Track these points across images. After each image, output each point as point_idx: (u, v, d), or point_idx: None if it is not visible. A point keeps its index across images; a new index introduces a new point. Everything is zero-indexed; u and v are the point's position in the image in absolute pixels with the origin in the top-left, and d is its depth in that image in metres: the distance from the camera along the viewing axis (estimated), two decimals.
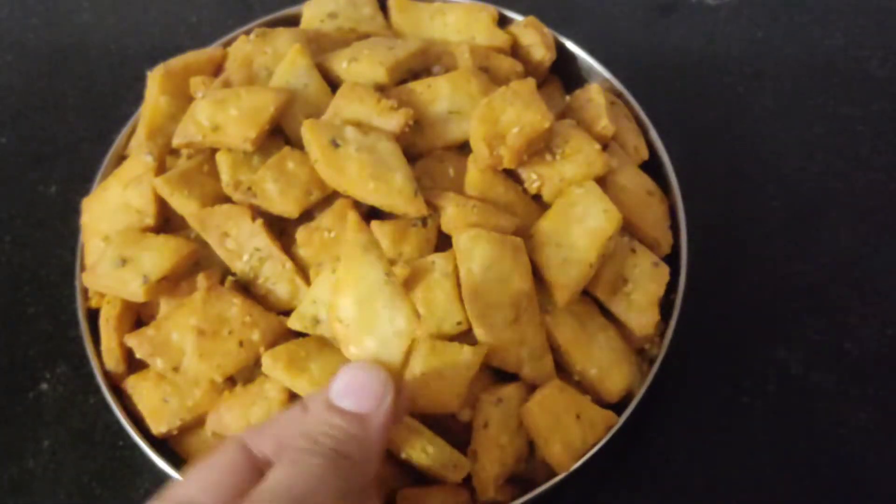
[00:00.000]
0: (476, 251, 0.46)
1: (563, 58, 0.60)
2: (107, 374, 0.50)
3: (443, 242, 0.48)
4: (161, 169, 0.51)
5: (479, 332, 0.46)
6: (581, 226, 0.48)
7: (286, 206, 0.48)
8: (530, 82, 0.51)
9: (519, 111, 0.49)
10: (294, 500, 0.33)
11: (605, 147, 0.53)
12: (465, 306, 0.46)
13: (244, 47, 0.54)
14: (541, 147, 0.50)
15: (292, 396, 0.46)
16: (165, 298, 0.49)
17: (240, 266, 0.48)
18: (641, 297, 0.50)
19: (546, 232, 0.48)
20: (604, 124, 0.53)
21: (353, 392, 0.37)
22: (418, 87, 0.51)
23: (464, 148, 0.51)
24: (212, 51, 0.57)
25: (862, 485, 0.54)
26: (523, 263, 0.46)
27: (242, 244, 0.47)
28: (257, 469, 0.36)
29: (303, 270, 0.48)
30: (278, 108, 0.49)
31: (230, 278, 0.49)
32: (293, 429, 0.37)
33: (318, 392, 0.39)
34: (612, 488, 0.54)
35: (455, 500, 0.46)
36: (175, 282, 0.49)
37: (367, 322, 0.40)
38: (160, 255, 0.48)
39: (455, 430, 0.46)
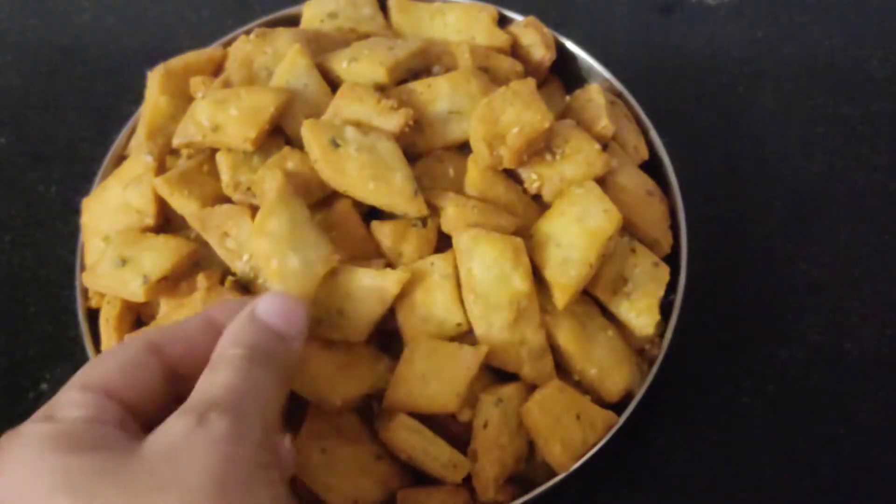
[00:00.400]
0: (476, 251, 0.46)
1: (563, 58, 0.59)
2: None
3: (443, 243, 0.48)
4: (161, 169, 0.51)
5: (479, 333, 0.46)
6: (581, 226, 0.48)
7: None
8: (530, 82, 0.51)
9: (519, 111, 0.49)
10: (241, 408, 0.33)
11: (605, 147, 0.53)
12: (465, 307, 0.46)
13: (244, 47, 0.54)
14: (541, 147, 0.50)
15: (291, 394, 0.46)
16: (165, 298, 0.49)
17: (240, 266, 0.48)
18: (641, 297, 0.50)
19: (546, 232, 0.48)
20: (604, 124, 0.53)
21: (281, 315, 0.37)
22: (418, 87, 0.51)
23: (464, 148, 0.51)
24: (212, 51, 0.57)
25: (862, 485, 0.54)
26: (523, 264, 0.46)
27: (243, 244, 0.47)
28: (167, 374, 0.36)
29: None
30: (278, 108, 0.49)
31: (230, 278, 0.48)
32: (213, 339, 0.37)
33: (227, 305, 0.39)
34: (612, 488, 0.54)
35: (455, 501, 0.46)
36: (175, 282, 0.49)
37: (296, 240, 0.43)
38: (160, 255, 0.48)
39: (455, 430, 0.46)
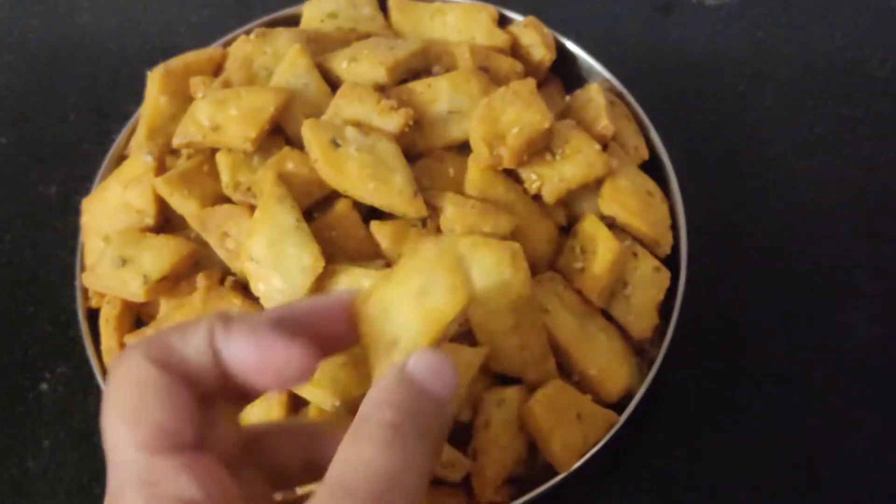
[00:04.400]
0: (475, 258, 0.45)
1: (563, 58, 0.59)
2: (107, 375, 0.50)
3: None
4: (161, 169, 0.51)
5: (480, 339, 0.46)
6: (418, 303, 0.35)
7: None
8: (530, 82, 0.51)
9: (519, 111, 0.49)
10: (395, 493, 0.27)
11: (605, 147, 0.53)
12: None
13: (244, 47, 0.54)
14: (541, 147, 0.50)
15: (291, 396, 0.46)
16: (165, 298, 0.49)
17: (240, 266, 0.48)
18: (641, 300, 0.50)
19: (384, 298, 0.35)
20: (604, 124, 0.53)
21: (436, 374, 0.31)
22: (418, 87, 0.51)
23: (464, 148, 0.51)
24: (212, 51, 0.57)
25: (862, 485, 0.54)
26: (523, 269, 0.46)
27: (242, 244, 0.47)
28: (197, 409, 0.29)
29: None
30: (278, 108, 0.49)
31: (230, 278, 0.49)
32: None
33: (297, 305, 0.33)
34: (612, 488, 0.54)
35: (454, 501, 0.46)
36: (175, 282, 0.49)
37: (276, 261, 0.44)
38: (160, 255, 0.48)
39: (455, 430, 0.46)
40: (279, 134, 0.51)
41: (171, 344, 0.30)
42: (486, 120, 0.49)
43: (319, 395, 0.43)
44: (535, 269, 0.48)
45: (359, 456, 0.28)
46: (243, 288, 0.48)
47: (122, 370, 0.29)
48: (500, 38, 0.57)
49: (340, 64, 0.52)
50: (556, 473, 0.47)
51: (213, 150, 0.50)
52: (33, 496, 0.55)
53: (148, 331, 0.48)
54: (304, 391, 0.45)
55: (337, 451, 0.28)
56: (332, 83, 0.52)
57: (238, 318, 0.30)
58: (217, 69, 0.56)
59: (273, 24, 0.57)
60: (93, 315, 0.52)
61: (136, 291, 0.47)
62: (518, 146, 0.48)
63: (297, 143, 0.49)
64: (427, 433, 0.29)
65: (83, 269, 0.53)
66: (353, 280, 0.45)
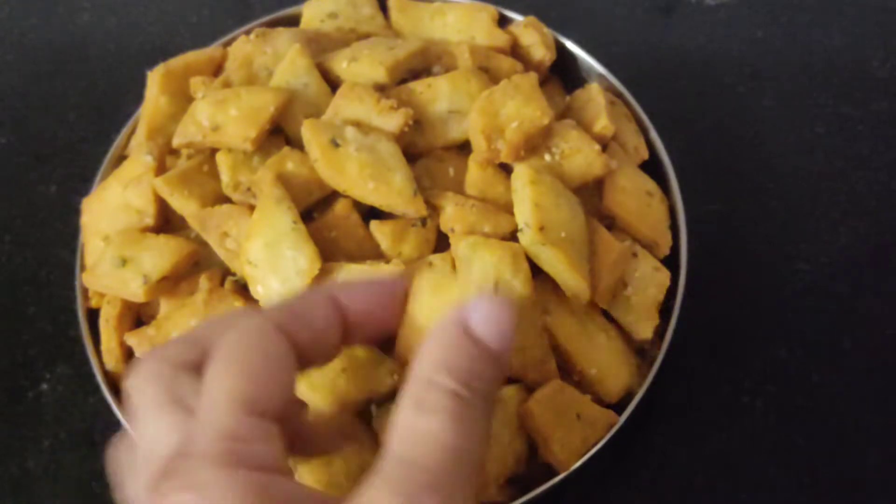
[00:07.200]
0: (475, 258, 0.45)
1: (563, 58, 0.59)
2: (107, 374, 0.50)
3: (442, 242, 0.48)
4: (161, 169, 0.51)
5: None
6: None
7: None
8: (532, 76, 0.51)
9: (519, 105, 0.49)
10: (454, 480, 0.26)
11: (605, 147, 0.52)
12: None
13: (244, 47, 0.54)
14: (539, 143, 0.50)
15: None
16: (165, 298, 0.49)
17: (239, 266, 0.48)
18: (641, 301, 0.50)
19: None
20: (604, 124, 0.53)
21: (495, 324, 0.30)
22: (418, 87, 0.51)
23: (464, 148, 0.51)
24: (212, 51, 0.57)
25: (862, 485, 0.54)
26: (523, 269, 0.46)
27: (243, 244, 0.47)
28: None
29: None
30: (278, 108, 0.49)
31: (230, 278, 0.49)
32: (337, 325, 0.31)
33: (351, 286, 0.33)
34: (612, 488, 0.54)
35: None
36: (175, 282, 0.49)
37: (273, 263, 0.44)
38: (160, 255, 0.48)
39: None
40: (279, 134, 0.51)
41: (296, 311, 0.31)
42: (485, 113, 0.49)
43: (318, 400, 0.44)
44: (535, 270, 0.48)
45: (426, 430, 0.27)
46: (243, 288, 0.48)
47: (246, 332, 0.29)
48: (500, 38, 0.57)
49: (340, 64, 0.52)
50: (556, 473, 0.47)
51: (213, 150, 0.50)
52: (33, 496, 0.55)
53: (149, 330, 0.48)
54: (304, 395, 0.45)
55: (398, 421, 0.28)
56: (332, 83, 0.52)
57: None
58: (217, 69, 0.56)
59: (273, 24, 0.57)
60: (93, 315, 0.52)
61: (136, 291, 0.47)
62: (516, 141, 0.48)
63: (297, 143, 0.49)
64: (489, 397, 0.29)
65: (83, 269, 0.53)
66: (350, 278, 0.45)
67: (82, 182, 0.58)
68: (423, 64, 0.54)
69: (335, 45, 0.55)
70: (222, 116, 0.49)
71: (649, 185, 0.54)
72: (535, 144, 0.50)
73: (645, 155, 0.56)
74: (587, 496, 0.53)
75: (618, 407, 0.49)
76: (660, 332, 0.51)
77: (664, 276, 0.51)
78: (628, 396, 0.49)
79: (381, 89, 0.51)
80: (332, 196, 0.49)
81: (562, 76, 0.60)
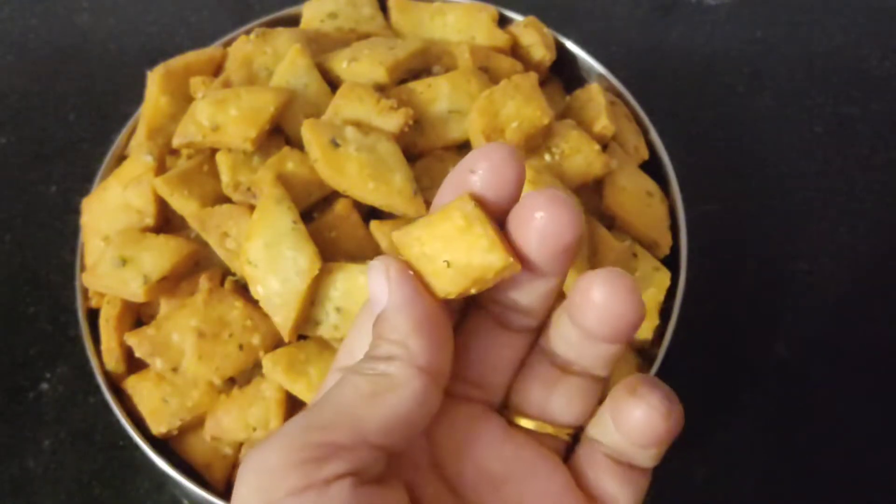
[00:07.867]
0: None
1: (563, 58, 0.59)
2: (107, 374, 0.50)
3: None
4: (161, 169, 0.51)
5: None
6: None
7: None
8: (532, 76, 0.51)
9: (519, 105, 0.49)
10: None
11: (605, 147, 0.53)
12: None
13: (244, 47, 0.54)
14: (539, 143, 0.50)
15: (290, 396, 0.46)
16: (165, 298, 0.49)
17: (239, 266, 0.48)
18: None
19: None
20: (604, 124, 0.53)
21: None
22: (418, 87, 0.51)
23: (464, 148, 0.51)
24: (212, 51, 0.57)
25: (862, 484, 0.54)
26: None
27: (243, 244, 0.47)
28: None
29: None
30: (278, 108, 0.49)
31: (230, 278, 0.49)
32: None
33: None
34: None
35: None
36: (175, 282, 0.49)
37: (273, 263, 0.44)
38: (160, 255, 0.48)
39: None
40: (279, 134, 0.51)
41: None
42: (485, 113, 0.49)
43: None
44: None
45: None
46: (243, 288, 0.48)
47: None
48: (500, 38, 0.57)
49: (340, 64, 0.52)
50: None
51: (213, 150, 0.50)
52: (33, 496, 0.55)
53: (148, 330, 0.48)
54: (301, 393, 0.45)
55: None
56: (332, 83, 0.52)
57: None
58: (217, 69, 0.56)
59: (273, 24, 0.57)
60: (93, 315, 0.52)
61: (136, 291, 0.47)
62: (516, 141, 0.48)
63: (296, 143, 0.49)
64: None
65: (83, 269, 0.53)
66: (350, 278, 0.45)
67: (82, 182, 0.58)
68: (423, 64, 0.54)
69: (335, 45, 0.55)
70: (222, 116, 0.49)
71: (649, 185, 0.54)
72: (535, 144, 0.50)
73: (645, 155, 0.56)
74: None
75: None
76: (660, 332, 0.51)
77: (664, 276, 0.51)
78: None
79: (381, 89, 0.51)
80: (332, 196, 0.49)
81: (562, 76, 0.60)
